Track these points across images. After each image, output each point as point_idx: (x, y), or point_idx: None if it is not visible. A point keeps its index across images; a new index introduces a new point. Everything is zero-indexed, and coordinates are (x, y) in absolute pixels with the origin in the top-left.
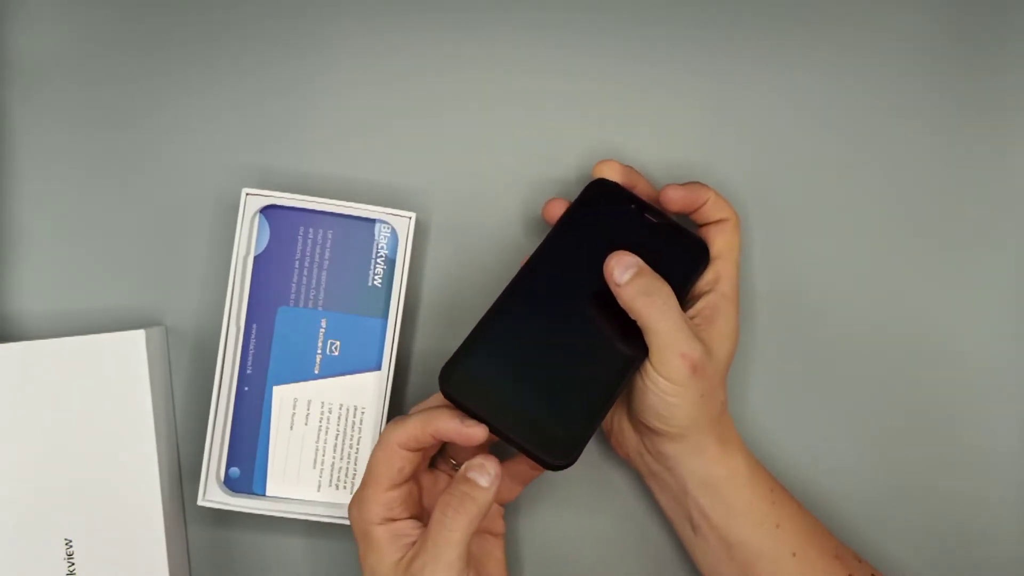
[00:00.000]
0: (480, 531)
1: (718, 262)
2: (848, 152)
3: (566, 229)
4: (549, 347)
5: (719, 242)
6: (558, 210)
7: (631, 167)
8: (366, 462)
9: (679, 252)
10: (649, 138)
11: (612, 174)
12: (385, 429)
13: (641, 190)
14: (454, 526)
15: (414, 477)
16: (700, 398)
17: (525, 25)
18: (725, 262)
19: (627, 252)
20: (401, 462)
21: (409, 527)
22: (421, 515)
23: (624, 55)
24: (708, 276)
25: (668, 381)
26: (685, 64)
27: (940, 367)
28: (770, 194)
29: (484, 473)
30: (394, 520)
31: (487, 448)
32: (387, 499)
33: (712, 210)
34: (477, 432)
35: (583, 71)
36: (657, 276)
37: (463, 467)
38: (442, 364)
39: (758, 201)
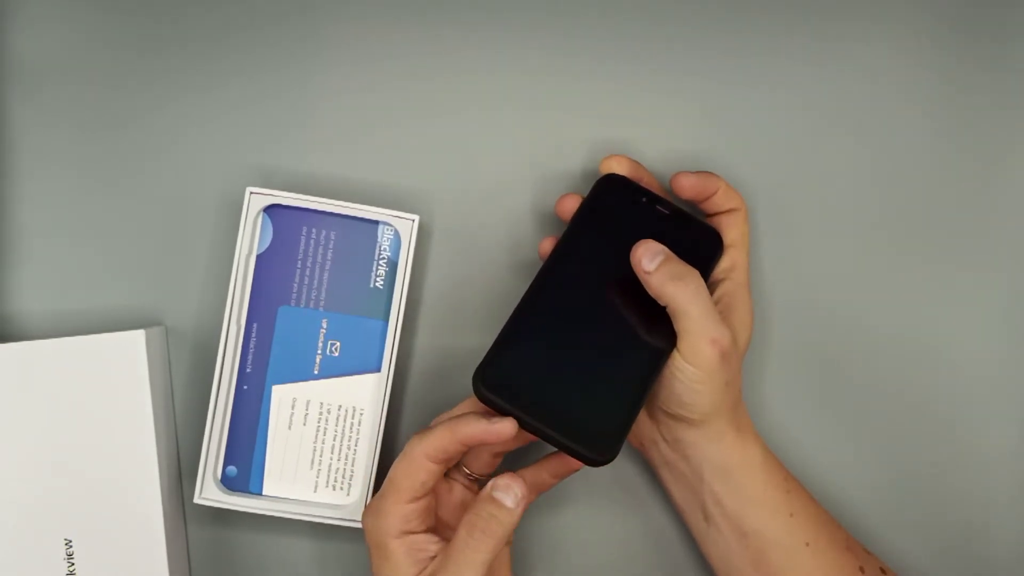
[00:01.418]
0: None
1: (732, 250)
2: (848, 151)
3: (581, 225)
4: (579, 343)
5: (732, 231)
6: (571, 205)
7: (636, 161)
8: (364, 464)
9: (694, 241)
10: (651, 138)
11: (620, 168)
12: (411, 441)
13: (647, 184)
14: (479, 547)
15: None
16: (725, 385)
17: (528, 26)
18: (738, 250)
19: (652, 241)
20: (426, 475)
21: (426, 541)
22: (436, 527)
23: (625, 55)
24: (723, 264)
25: (696, 368)
26: (686, 63)
27: (941, 366)
28: (769, 191)
29: (511, 494)
30: (412, 533)
31: (510, 450)
32: (407, 511)
33: (722, 200)
34: (506, 427)
35: (585, 71)
36: (684, 262)
37: (489, 486)
38: (442, 367)
39: (758, 198)
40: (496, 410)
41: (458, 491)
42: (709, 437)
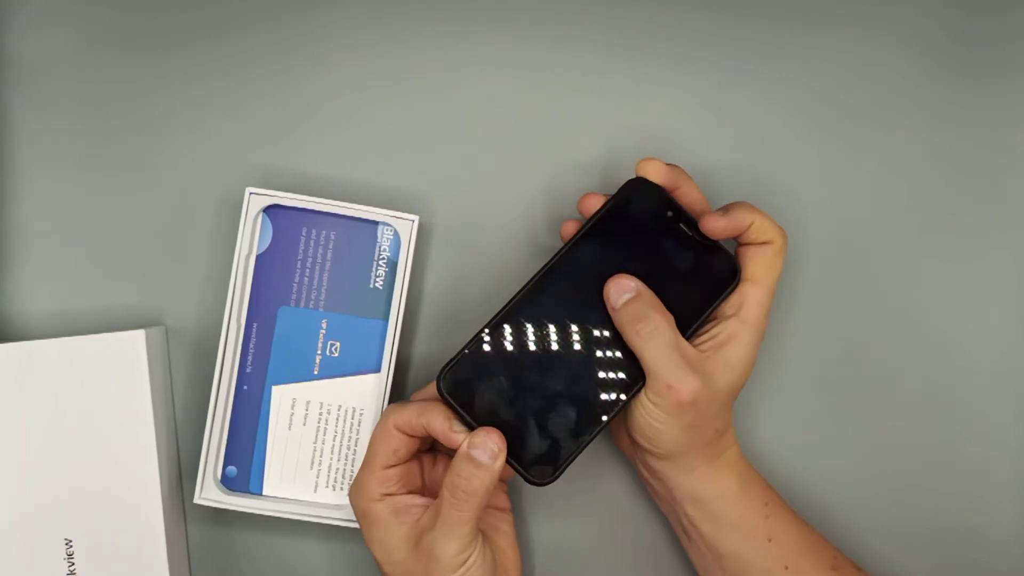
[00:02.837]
0: (486, 506)
1: (747, 286)
2: (848, 153)
3: (593, 232)
4: (551, 360)
5: (754, 265)
6: (593, 205)
7: (677, 167)
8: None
9: (707, 271)
10: (653, 141)
11: (656, 175)
12: (386, 410)
13: (684, 192)
14: (463, 507)
15: (415, 458)
16: (688, 427)
17: (531, 26)
18: (755, 287)
19: (628, 276)
20: (396, 444)
21: (409, 499)
22: (421, 491)
23: (629, 57)
24: (733, 299)
25: (656, 407)
26: (689, 66)
27: (941, 369)
28: (766, 194)
29: (486, 451)
30: (391, 495)
31: None
32: (383, 476)
33: (756, 233)
34: (459, 439)
35: (588, 73)
36: (654, 302)
37: (464, 443)
38: (441, 366)
39: (754, 201)
40: (451, 409)
41: (442, 462)
42: (677, 469)
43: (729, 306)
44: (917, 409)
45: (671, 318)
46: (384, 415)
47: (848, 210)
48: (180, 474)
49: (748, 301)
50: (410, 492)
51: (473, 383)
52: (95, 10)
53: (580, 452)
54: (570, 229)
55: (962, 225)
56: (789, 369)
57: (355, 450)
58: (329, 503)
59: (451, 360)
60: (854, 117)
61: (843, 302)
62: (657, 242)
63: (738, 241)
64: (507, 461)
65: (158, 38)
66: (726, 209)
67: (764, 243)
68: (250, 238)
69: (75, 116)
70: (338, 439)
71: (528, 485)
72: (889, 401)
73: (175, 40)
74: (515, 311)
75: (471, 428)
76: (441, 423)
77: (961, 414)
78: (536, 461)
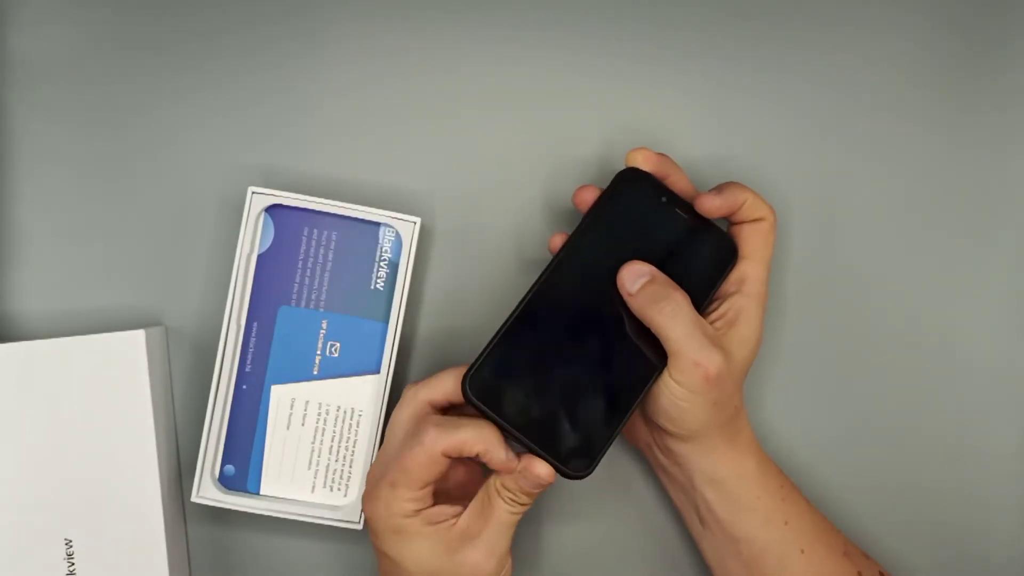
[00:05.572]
0: None
1: (746, 262)
2: (849, 153)
3: (593, 223)
4: (573, 352)
5: (750, 242)
6: (588, 197)
7: (665, 156)
8: (361, 466)
9: (707, 251)
10: (656, 141)
11: (646, 164)
12: (428, 434)
13: (674, 181)
14: (511, 521)
15: None
16: (713, 405)
17: (533, 26)
18: (754, 263)
19: (640, 261)
20: (441, 467)
21: (439, 511)
22: (436, 493)
23: (631, 57)
24: (734, 276)
25: (681, 387)
26: (689, 67)
27: (943, 366)
28: (763, 191)
29: (538, 479)
30: (425, 509)
31: None
32: (419, 495)
33: (749, 211)
34: (516, 467)
35: (591, 73)
36: (670, 283)
37: (522, 465)
38: (441, 369)
39: (764, 195)
40: (480, 413)
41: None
42: (699, 450)
43: (731, 284)
44: (916, 406)
45: (688, 297)
46: (428, 440)
47: (848, 207)
48: (180, 474)
49: (749, 277)
50: (436, 502)
51: (498, 384)
52: (95, 10)
53: (612, 442)
54: (558, 242)
55: (962, 224)
56: (790, 368)
57: (352, 451)
58: (325, 503)
59: (473, 364)
60: (854, 115)
61: (843, 300)
62: (655, 228)
63: (731, 221)
64: (543, 457)
65: (159, 38)
66: (719, 189)
67: (757, 220)
68: (251, 238)
69: (75, 116)
70: (336, 440)
71: None
72: (887, 398)
73: (176, 40)
74: (529, 309)
75: (504, 431)
76: (501, 456)
77: (960, 410)
78: (572, 455)
